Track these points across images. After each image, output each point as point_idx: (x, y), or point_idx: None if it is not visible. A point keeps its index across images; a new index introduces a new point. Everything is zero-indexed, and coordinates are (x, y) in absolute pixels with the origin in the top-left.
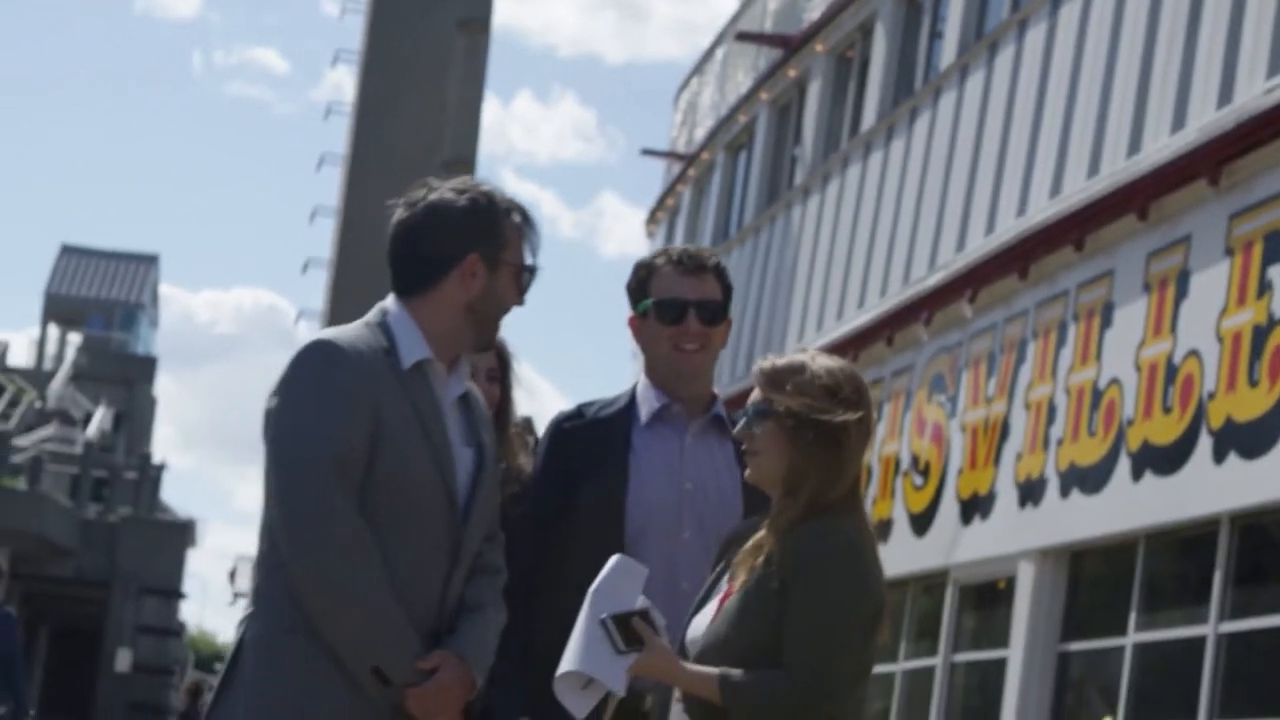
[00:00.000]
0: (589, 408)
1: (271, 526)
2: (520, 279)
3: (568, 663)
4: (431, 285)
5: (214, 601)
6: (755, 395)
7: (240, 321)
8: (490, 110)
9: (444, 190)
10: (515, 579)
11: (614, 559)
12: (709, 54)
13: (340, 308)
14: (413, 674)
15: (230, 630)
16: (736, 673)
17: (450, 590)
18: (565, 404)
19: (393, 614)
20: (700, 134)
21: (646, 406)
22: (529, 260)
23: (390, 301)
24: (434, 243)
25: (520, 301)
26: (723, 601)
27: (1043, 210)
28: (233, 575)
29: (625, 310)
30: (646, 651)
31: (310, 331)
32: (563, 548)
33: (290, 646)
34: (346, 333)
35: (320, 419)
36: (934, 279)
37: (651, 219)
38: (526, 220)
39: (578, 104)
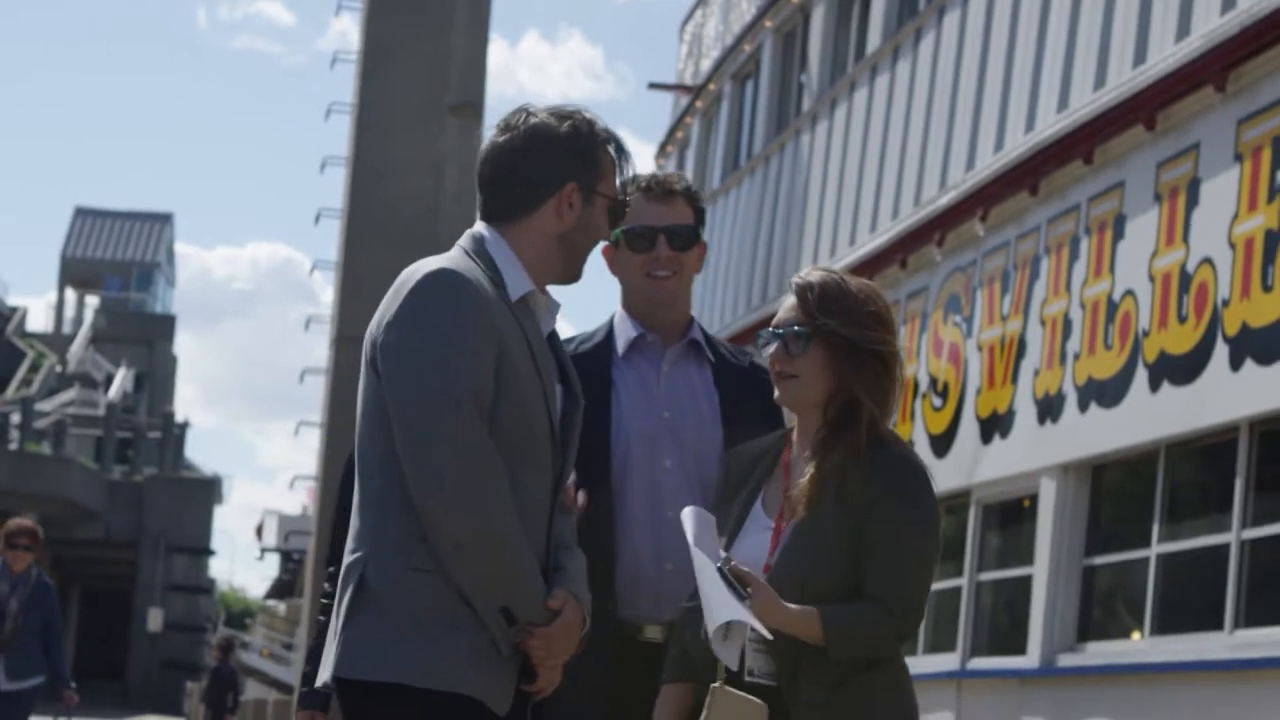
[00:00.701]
0: (568, 343)
1: (395, 463)
2: (612, 212)
3: (721, 615)
4: (527, 213)
5: (242, 557)
6: (792, 315)
7: (256, 276)
8: (498, 52)
9: (545, 115)
10: None
11: (689, 511)
12: None
13: (354, 257)
14: (541, 614)
15: (259, 585)
16: (836, 609)
17: (553, 526)
18: (572, 332)
19: (525, 552)
20: (706, 65)
21: (623, 337)
22: (620, 194)
23: (483, 228)
24: (533, 168)
25: (609, 236)
26: (777, 533)
27: (1051, 125)
28: (259, 530)
29: None
30: (756, 593)
31: (326, 282)
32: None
33: (428, 585)
34: (459, 263)
35: (457, 350)
36: (945, 199)
37: (661, 152)
38: (622, 152)
39: (585, 42)
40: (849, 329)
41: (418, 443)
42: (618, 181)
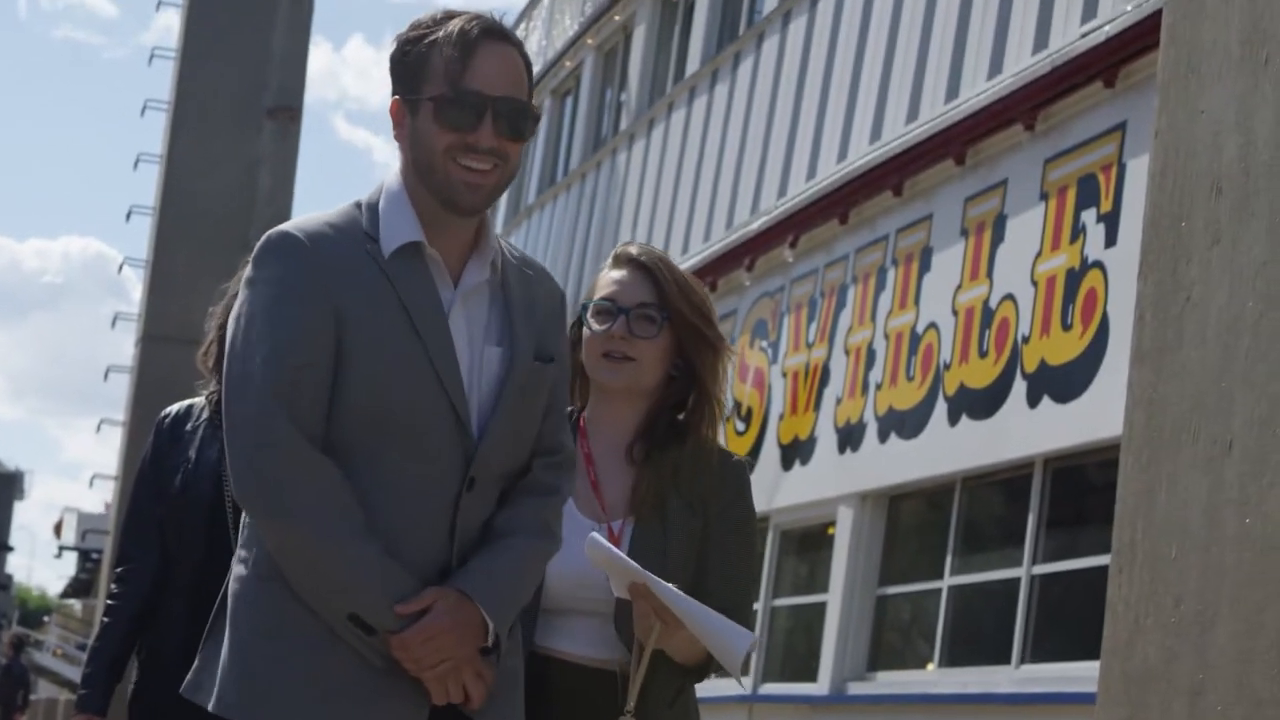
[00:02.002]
0: None
1: None
2: (440, 109)
3: (740, 645)
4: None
5: (41, 554)
6: (642, 292)
7: (68, 270)
8: (322, 55)
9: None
10: None
11: (596, 537)
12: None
13: (163, 256)
14: (390, 619)
15: (58, 583)
16: None
17: (464, 517)
18: None
19: (361, 550)
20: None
21: None
22: (465, 86)
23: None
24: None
25: (454, 135)
26: (611, 536)
27: (863, 155)
28: (58, 528)
29: None
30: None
31: (136, 280)
32: None
33: (266, 595)
34: (320, 216)
35: (260, 333)
36: (756, 224)
37: None
38: (466, 39)
39: None
40: (697, 317)
41: (227, 433)
42: (466, 72)
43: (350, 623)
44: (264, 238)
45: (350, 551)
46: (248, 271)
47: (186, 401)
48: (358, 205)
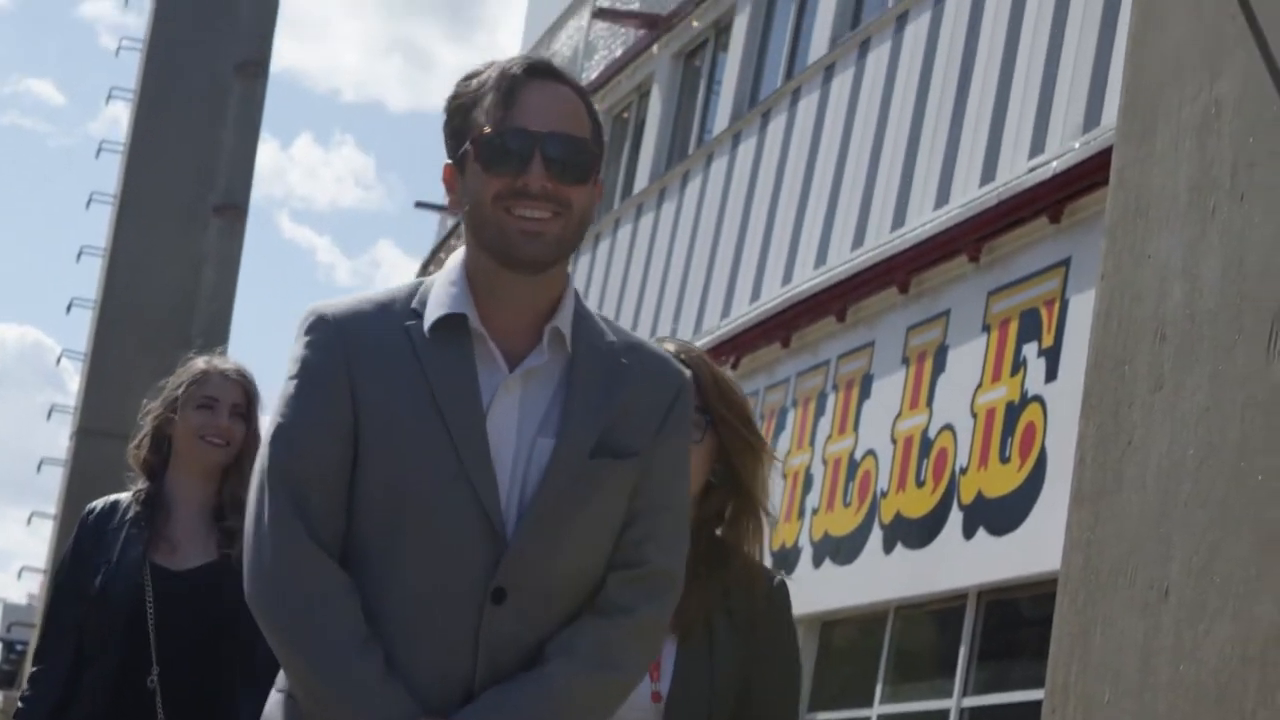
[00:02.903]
0: None
1: None
2: (482, 151)
3: None
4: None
5: None
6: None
7: (3, 358)
8: (269, 152)
9: None
10: None
11: None
12: None
13: (103, 349)
14: None
15: None
16: None
17: (490, 634)
18: None
19: (357, 667)
20: None
21: None
22: (509, 125)
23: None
24: None
25: (501, 179)
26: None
27: (807, 280)
28: None
29: None
30: None
31: (74, 371)
32: None
33: (287, 712)
34: (377, 291)
35: (279, 417)
36: (699, 344)
37: (423, 271)
38: (516, 74)
39: (358, 150)
40: (738, 420)
41: (246, 531)
42: (500, 114)
43: None
44: (302, 315)
45: (343, 668)
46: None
47: (113, 497)
48: (420, 283)
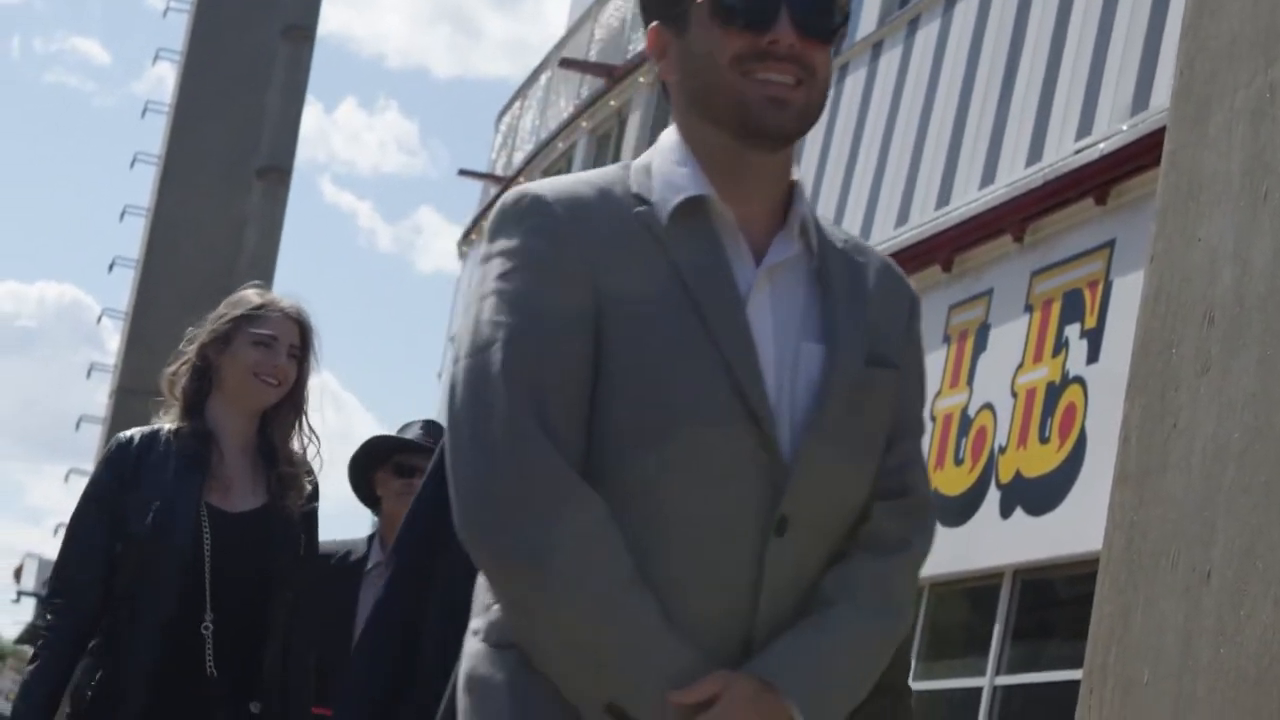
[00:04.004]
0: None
1: None
2: (720, 9)
3: None
4: (665, 89)
5: None
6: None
7: (42, 315)
8: (313, 116)
9: None
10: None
11: None
12: (533, 78)
13: (143, 309)
14: (663, 710)
15: (13, 628)
16: None
17: (773, 571)
18: (371, 420)
19: (631, 613)
20: (519, 158)
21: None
22: None
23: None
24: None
25: (742, 37)
26: None
27: None
28: (18, 573)
29: (439, 328)
30: None
31: (114, 331)
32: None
33: (502, 674)
34: (572, 175)
35: (499, 323)
36: None
37: (465, 240)
38: None
39: (402, 115)
40: None
41: (451, 450)
42: None
43: (607, 715)
44: (502, 201)
45: (616, 614)
46: (483, 247)
47: (148, 427)
48: (625, 167)
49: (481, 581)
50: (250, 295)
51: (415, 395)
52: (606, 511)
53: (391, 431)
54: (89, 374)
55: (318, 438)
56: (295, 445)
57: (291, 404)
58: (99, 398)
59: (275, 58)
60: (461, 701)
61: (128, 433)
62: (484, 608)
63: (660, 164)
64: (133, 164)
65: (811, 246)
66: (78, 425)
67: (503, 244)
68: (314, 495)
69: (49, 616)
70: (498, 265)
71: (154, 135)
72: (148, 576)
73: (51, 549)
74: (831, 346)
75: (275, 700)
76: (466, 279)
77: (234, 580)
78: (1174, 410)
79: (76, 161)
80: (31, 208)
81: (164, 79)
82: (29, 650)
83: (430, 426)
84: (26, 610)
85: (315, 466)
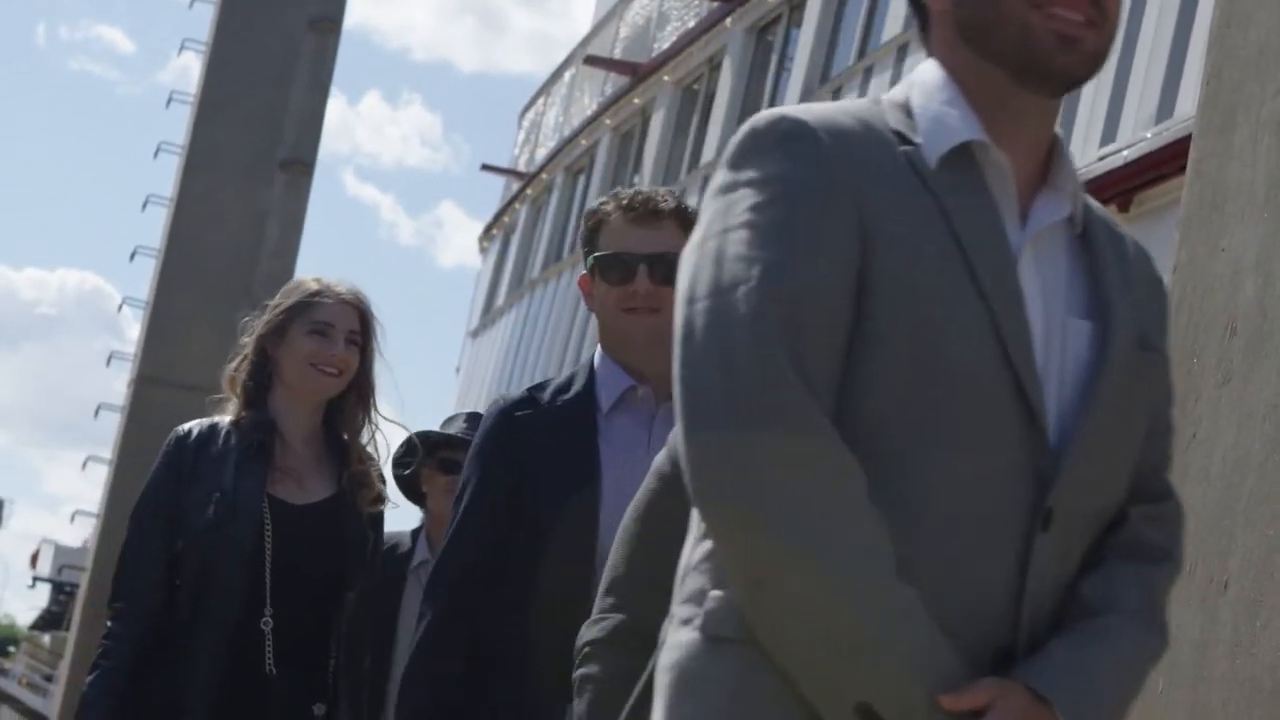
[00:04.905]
0: (540, 393)
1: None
2: None
3: None
4: (924, 17)
5: (14, 584)
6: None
7: (63, 303)
8: (336, 108)
9: None
10: (452, 600)
11: None
12: (557, 74)
13: (164, 299)
14: (925, 714)
15: (28, 614)
16: None
17: (1036, 569)
18: (388, 413)
19: (898, 602)
20: (542, 154)
21: (608, 389)
22: None
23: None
24: None
25: None
26: None
27: None
28: (34, 558)
29: (459, 323)
30: None
31: (134, 319)
32: (514, 562)
33: (725, 669)
34: (831, 104)
35: (748, 256)
36: None
37: (486, 235)
38: None
39: (425, 109)
40: None
41: (683, 397)
42: None
43: (855, 715)
44: (752, 124)
45: (881, 603)
46: (719, 177)
47: (208, 420)
48: (876, 101)
49: (696, 565)
50: (306, 282)
51: (435, 389)
52: (864, 479)
53: (434, 427)
54: (108, 362)
55: (381, 429)
56: (365, 438)
57: (357, 393)
58: (118, 386)
59: (301, 50)
60: (664, 697)
61: (185, 426)
62: (697, 594)
63: (924, 102)
64: (156, 154)
65: (1078, 211)
66: (96, 413)
67: (755, 171)
68: (382, 496)
69: (110, 623)
70: (748, 195)
71: (178, 125)
72: (209, 573)
73: (68, 535)
74: (1102, 324)
75: (340, 704)
76: (704, 210)
77: (297, 576)
78: (1194, 420)
79: (100, 150)
80: (54, 195)
81: (189, 69)
82: (41, 636)
83: (474, 420)
84: (42, 596)
85: (380, 457)
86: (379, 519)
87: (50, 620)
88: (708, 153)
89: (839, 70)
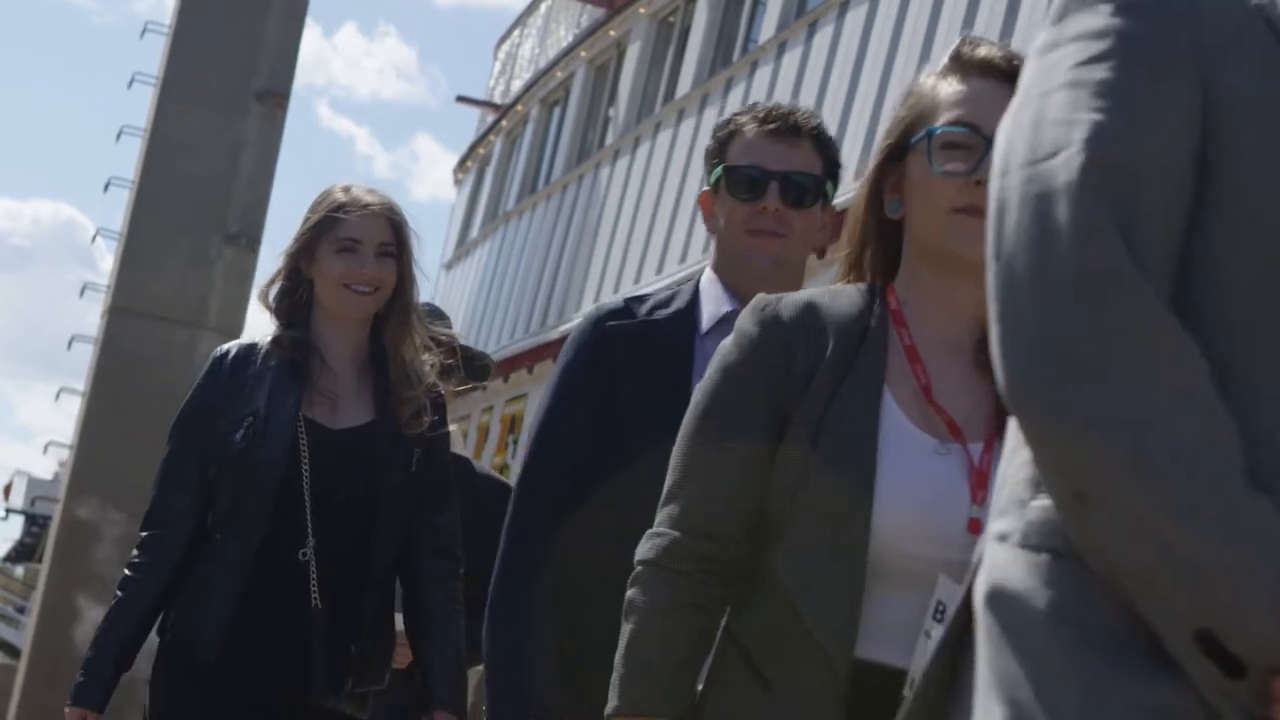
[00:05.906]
0: (639, 305)
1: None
2: None
3: None
4: None
5: None
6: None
7: (37, 234)
8: (311, 40)
9: None
10: (535, 507)
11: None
12: (533, 7)
13: (138, 230)
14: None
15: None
16: None
17: None
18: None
19: (1252, 515)
20: (517, 86)
21: (710, 309)
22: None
23: None
24: None
25: None
26: (975, 468)
27: (844, 193)
28: (6, 490)
29: (434, 255)
30: None
31: (107, 251)
32: (600, 473)
33: (1046, 584)
34: None
35: (1074, 104)
36: None
37: (461, 166)
38: None
39: (401, 41)
40: None
41: (995, 278)
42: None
43: (1196, 645)
44: None
45: (1232, 515)
46: (1042, 36)
47: (247, 340)
48: None
49: (1016, 473)
50: (334, 192)
51: None
52: (1208, 369)
53: None
54: (82, 293)
55: (436, 344)
56: (414, 356)
57: (399, 308)
58: (91, 318)
59: None
60: (985, 621)
61: (224, 346)
62: (1017, 503)
63: None
64: (130, 84)
65: None
66: (69, 345)
67: (1083, 24)
68: (437, 411)
69: (135, 552)
70: (1074, 51)
71: (152, 56)
72: (239, 499)
73: (41, 467)
74: None
75: (373, 645)
76: (1023, 74)
77: (337, 503)
78: None
79: (74, 79)
80: (28, 125)
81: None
82: (13, 568)
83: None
84: (15, 528)
85: (432, 376)
86: (430, 440)
87: (23, 552)
88: (683, 86)
89: (815, 4)
